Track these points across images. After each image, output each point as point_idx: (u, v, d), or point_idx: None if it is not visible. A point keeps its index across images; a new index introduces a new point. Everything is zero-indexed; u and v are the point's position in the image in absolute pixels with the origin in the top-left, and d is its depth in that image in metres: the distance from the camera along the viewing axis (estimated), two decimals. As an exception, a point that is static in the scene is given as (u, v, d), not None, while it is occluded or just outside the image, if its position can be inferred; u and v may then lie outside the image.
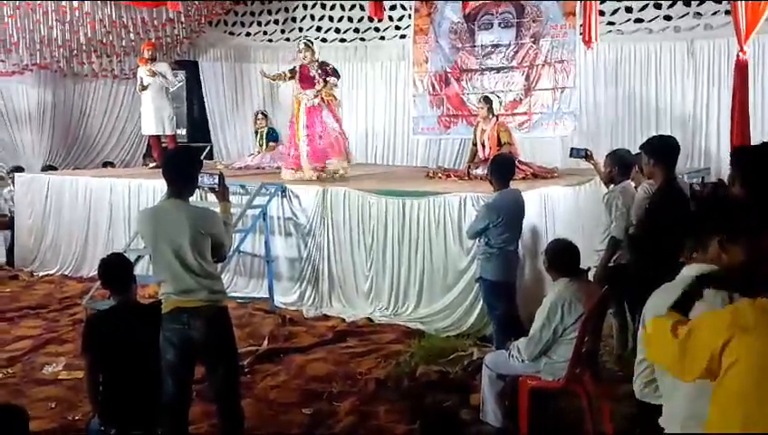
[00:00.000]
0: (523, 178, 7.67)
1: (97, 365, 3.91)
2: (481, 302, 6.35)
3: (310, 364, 6.00)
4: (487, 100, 8.59)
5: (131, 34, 11.43)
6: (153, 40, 11.04)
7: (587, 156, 6.00)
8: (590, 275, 5.19)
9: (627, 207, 5.34)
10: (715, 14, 9.06)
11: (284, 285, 7.72)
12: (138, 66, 10.41)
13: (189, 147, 11.21)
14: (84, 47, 11.25)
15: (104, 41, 11.27)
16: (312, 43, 8.55)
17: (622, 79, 9.69)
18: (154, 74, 9.97)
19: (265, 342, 6.48)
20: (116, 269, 4.12)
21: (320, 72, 8.22)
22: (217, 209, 4.23)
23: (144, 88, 10.11)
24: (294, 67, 8.45)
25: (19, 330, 7.08)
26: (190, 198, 4.10)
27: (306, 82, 8.27)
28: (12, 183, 10.24)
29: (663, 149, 4.58)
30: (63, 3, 10.05)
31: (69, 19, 10.30)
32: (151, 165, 10.41)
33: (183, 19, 11.84)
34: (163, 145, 10.31)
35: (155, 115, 10.19)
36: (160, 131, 10.31)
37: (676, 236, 4.46)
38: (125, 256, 4.76)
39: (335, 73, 8.39)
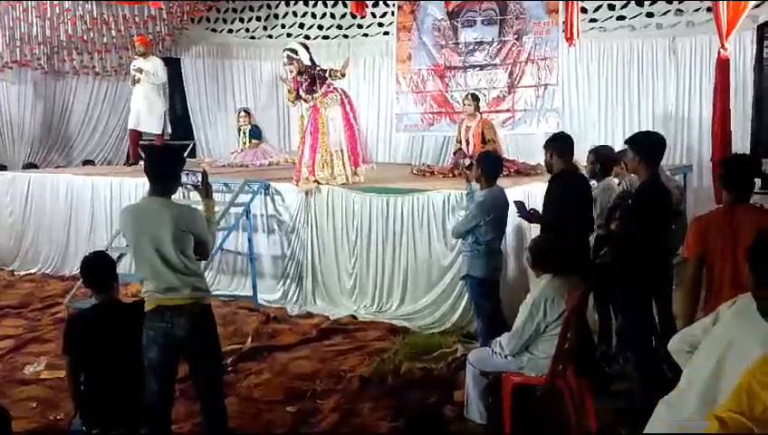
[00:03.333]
0: (507, 175, 7.68)
1: (78, 365, 3.88)
2: (465, 299, 6.37)
3: (294, 362, 5.99)
4: (475, 97, 8.60)
5: (113, 31, 11.37)
6: (145, 35, 10.93)
7: None
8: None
9: (609, 203, 5.38)
10: (696, 11, 9.13)
11: (268, 283, 7.70)
12: (129, 60, 10.43)
13: (172, 144, 11.13)
14: (65, 44, 11.17)
15: (85, 38, 11.19)
16: (295, 52, 7.57)
17: (605, 76, 9.76)
18: (140, 71, 9.90)
19: (249, 340, 6.45)
20: (98, 268, 4.08)
21: (306, 83, 7.46)
22: (200, 207, 4.21)
23: (136, 82, 10.08)
24: (289, 89, 7.65)
25: (0, 329, 7.01)
26: (173, 196, 4.08)
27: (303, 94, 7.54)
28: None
29: (648, 146, 4.63)
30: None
31: (49, 16, 10.24)
32: (130, 162, 10.37)
33: (165, 16, 11.77)
34: (146, 142, 10.26)
35: (143, 111, 10.13)
36: (145, 128, 10.24)
37: (660, 232, 4.53)
38: (107, 254, 4.72)
39: (322, 79, 7.42)
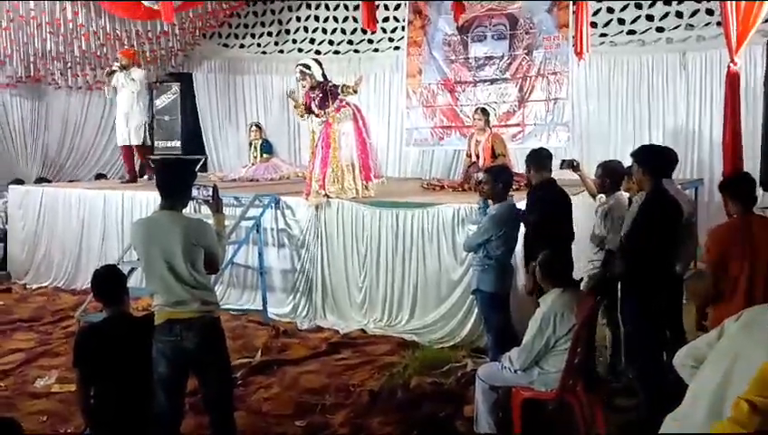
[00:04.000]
0: (517, 189, 7.67)
1: (89, 378, 3.89)
2: (475, 313, 6.35)
3: (303, 376, 5.98)
4: (485, 111, 8.62)
5: (126, 47, 11.44)
6: (129, 48, 10.75)
7: (574, 167, 6.03)
8: (582, 286, 5.22)
9: (620, 218, 5.36)
10: (707, 25, 9.14)
11: (278, 296, 7.71)
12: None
13: (183, 158, 11.17)
14: (78, 59, 11.27)
15: (99, 53, 11.28)
16: (308, 67, 7.63)
17: (615, 90, 9.76)
18: (110, 78, 9.89)
19: (258, 354, 6.46)
20: (109, 281, 4.10)
21: (318, 98, 7.54)
22: (211, 221, 4.23)
23: (118, 86, 9.98)
24: (298, 103, 7.74)
25: (11, 343, 7.04)
26: (184, 210, 4.10)
27: (315, 109, 7.63)
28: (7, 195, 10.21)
29: (651, 158, 4.67)
30: (58, 15, 10.05)
31: (63, 31, 10.31)
32: (126, 180, 10.16)
33: (177, 32, 11.87)
34: (158, 157, 10.30)
35: (123, 125, 10.02)
36: (127, 142, 10.08)
37: (667, 244, 4.53)
38: (118, 267, 4.74)
39: (334, 94, 7.44)
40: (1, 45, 10.32)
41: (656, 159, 4.70)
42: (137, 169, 10.26)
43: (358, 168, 7.47)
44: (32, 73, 11.10)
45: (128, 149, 10.21)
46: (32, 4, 9.37)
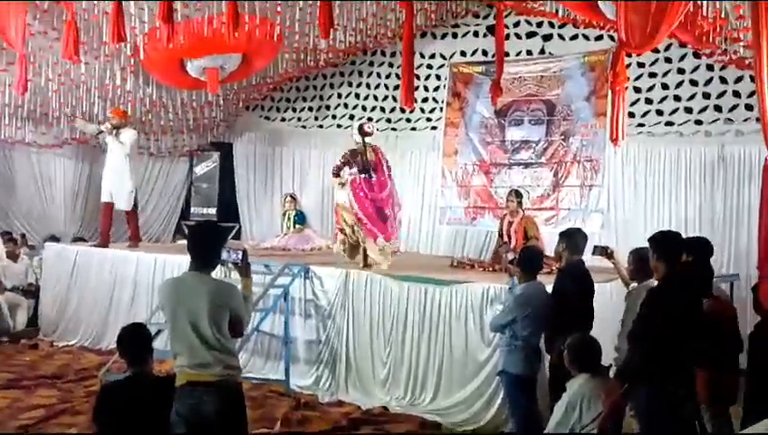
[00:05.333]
0: (549, 273, 7.60)
1: (107, 435, 3.86)
2: (500, 396, 6.21)
3: (322, 451, 5.87)
4: (518, 194, 8.66)
5: (170, 114, 11.76)
6: (118, 107, 10.39)
7: (608, 254, 5.97)
8: (611, 372, 5.08)
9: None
10: (746, 120, 9.11)
11: (301, 367, 7.65)
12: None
13: (214, 221, 11.28)
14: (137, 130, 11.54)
15: (143, 119, 11.59)
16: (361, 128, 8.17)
17: (652, 179, 9.68)
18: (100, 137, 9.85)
19: (278, 425, 6.38)
20: (134, 338, 4.13)
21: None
22: (239, 285, 4.24)
23: (106, 139, 9.78)
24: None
25: (34, 399, 7.06)
26: (213, 274, 4.12)
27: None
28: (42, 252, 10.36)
29: (664, 243, 4.56)
30: (107, 81, 10.37)
31: (111, 96, 10.62)
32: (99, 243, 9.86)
33: (221, 102, 12.21)
34: (192, 223, 10.39)
35: (114, 186, 9.71)
36: (116, 203, 9.77)
37: (679, 334, 4.31)
38: (145, 326, 4.75)
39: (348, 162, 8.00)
40: (50, 107, 10.64)
41: (668, 245, 4.55)
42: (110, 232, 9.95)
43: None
44: (77, 136, 11.40)
45: (108, 208, 9.85)
46: (83, 68, 9.68)
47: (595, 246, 6.43)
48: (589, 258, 5.89)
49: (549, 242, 8.87)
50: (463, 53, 11.12)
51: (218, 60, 9.28)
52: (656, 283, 5.45)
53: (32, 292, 10.24)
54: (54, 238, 10.85)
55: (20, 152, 11.67)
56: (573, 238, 5.67)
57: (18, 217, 11.79)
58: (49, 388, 7.44)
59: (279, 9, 8.92)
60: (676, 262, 4.56)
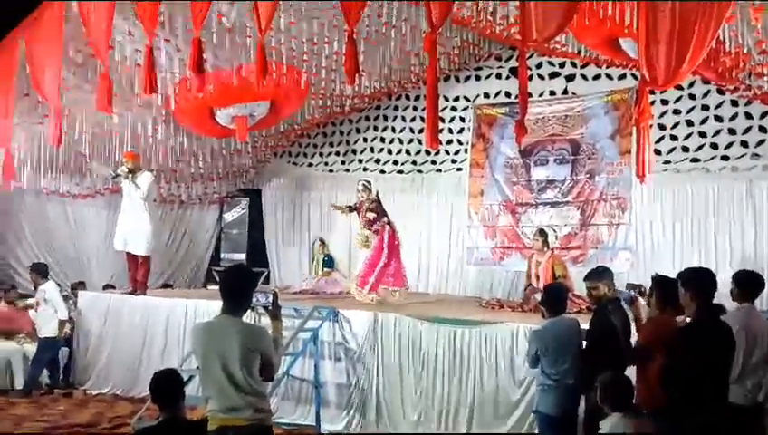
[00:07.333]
0: (578, 312, 7.56)
1: (139, 481, 3.89)
2: (534, 436, 6.15)
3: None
4: (543, 233, 8.67)
5: (200, 162, 11.95)
6: (132, 150, 10.14)
7: (632, 302, 5.83)
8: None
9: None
10: (773, 154, 9.07)
11: (332, 412, 7.61)
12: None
13: (246, 265, 11.36)
14: (155, 173, 11.74)
15: (174, 168, 11.79)
16: (369, 183, 9.34)
17: (680, 216, 9.64)
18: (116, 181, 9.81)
19: (310, 470, 6.34)
20: (167, 383, 4.17)
21: (366, 215, 9.08)
22: (269, 329, 4.28)
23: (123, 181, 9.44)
24: (354, 205, 9.40)
25: (68, 447, 7.09)
26: (244, 318, 4.16)
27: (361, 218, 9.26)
28: (74, 299, 10.44)
29: (696, 280, 4.46)
30: (139, 131, 10.57)
31: (143, 145, 10.80)
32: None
33: (250, 149, 12.41)
34: (222, 269, 10.47)
35: (129, 231, 9.47)
36: (131, 249, 9.54)
37: (712, 374, 4.18)
38: (177, 372, 4.80)
39: (370, 224, 9.09)
40: (84, 159, 10.86)
41: (700, 282, 4.42)
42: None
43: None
44: (110, 186, 11.59)
45: (129, 256, 9.64)
46: (116, 118, 9.86)
47: (628, 284, 6.40)
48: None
49: (577, 281, 8.84)
50: (486, 95, 11.25)
51: (247, 108, 9.43)
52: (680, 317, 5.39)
53: (66, 340, 10.31)
54: (81, 283, 10.94)
55: (54, 202, 11.91)
56: (608, 275, 5.59)
57: (53, 266, 11.95)
58: (83, 437, 7.48)
59: (306, 57, 9.11)
60: (709, 299, 4.49)
